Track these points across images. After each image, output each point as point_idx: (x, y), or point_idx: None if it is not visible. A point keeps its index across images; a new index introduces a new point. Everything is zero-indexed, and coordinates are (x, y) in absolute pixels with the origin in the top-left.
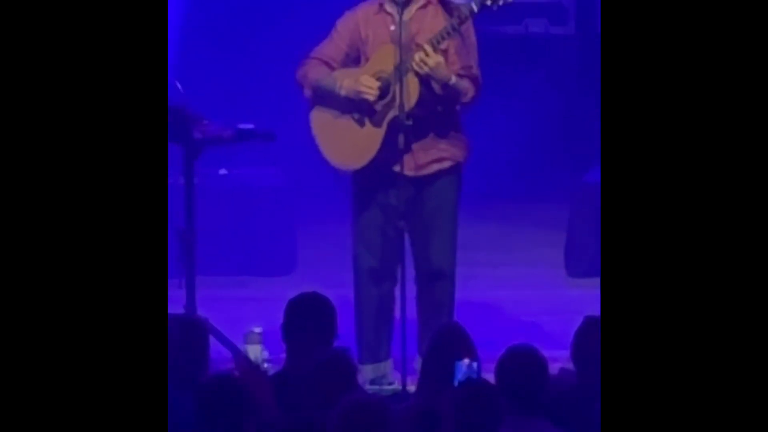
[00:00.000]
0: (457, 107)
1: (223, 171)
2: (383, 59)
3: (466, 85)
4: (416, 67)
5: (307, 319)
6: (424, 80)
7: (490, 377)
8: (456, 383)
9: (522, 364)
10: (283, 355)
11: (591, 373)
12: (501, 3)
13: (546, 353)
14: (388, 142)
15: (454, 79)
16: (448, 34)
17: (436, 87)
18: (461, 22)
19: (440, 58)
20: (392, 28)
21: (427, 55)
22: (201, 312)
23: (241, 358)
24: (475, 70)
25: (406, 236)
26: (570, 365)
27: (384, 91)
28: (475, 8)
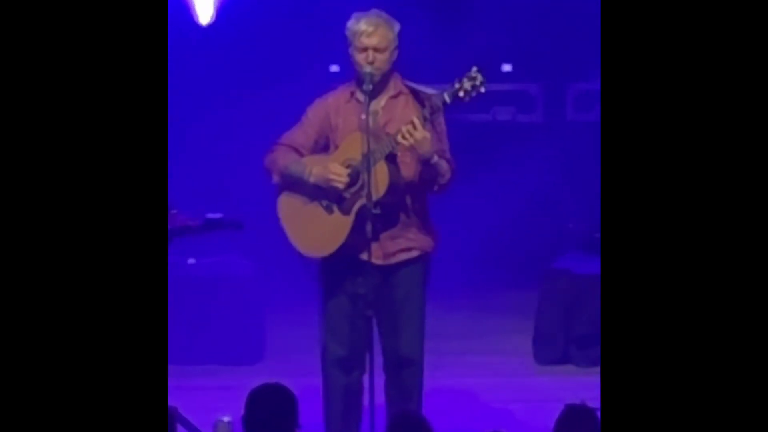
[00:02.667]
0: (426, 196)
1: (191, 260)
2: (352, 147)
3: (445, 165)
4: (401, 139)
5: (268, 410)
6: (393, 169)
7: None
8: None
9: None
10: None
11: None
12: (473, 94)
13: None
14: (357, 230)
15: (436, 158)
16: (425, 119)
17: (413, 168)
18: (433, 112)
19: (427, 133)
20: (363, 116)
21: (414, 128)
22: (170, 401)
23: None
24: (449, 155)
25: (374, 324)
26: None
27: (353, 179)
28: (447, 99)
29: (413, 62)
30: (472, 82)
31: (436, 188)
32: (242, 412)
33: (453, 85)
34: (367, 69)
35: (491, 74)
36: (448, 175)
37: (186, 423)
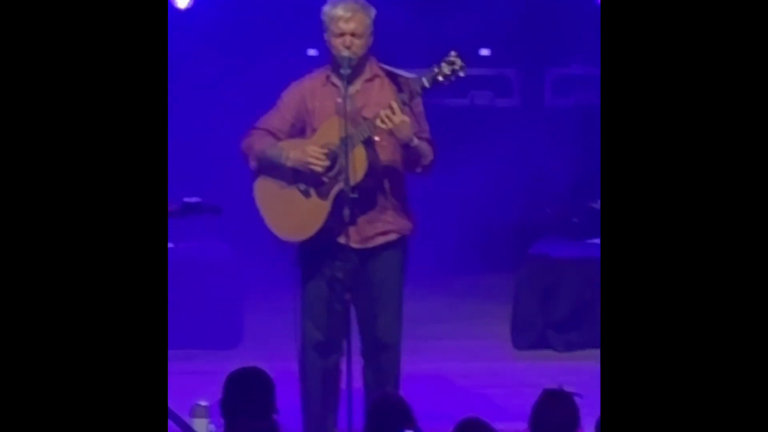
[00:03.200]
0: (404, 180)
1: (169, 245)
2: (330, 131)
3: (426, 147)
4: (380, 123)
5: (245, 393)
6: (371, 153)
7: None
8: None
9: None
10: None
11: None
12: (452, 79)
13: (495, 425)
14: (334, 214)
15: (416, 141)
16: (404, 103)
17: (391, 152)
18: (412, 97)
19: (405, 117)
20: (339, 100)
21: (393, 112)
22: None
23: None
24: (429, 136)
25: (352, 308)
26: None
27: (331, 164)
28: (427, 84)
29: (391, 46)
30: (451, 66)
31: (419, 170)
32: (220, 396)
33: (432, 69)
34: (345, 53)
35: (469, 58)
36: (430, 156)
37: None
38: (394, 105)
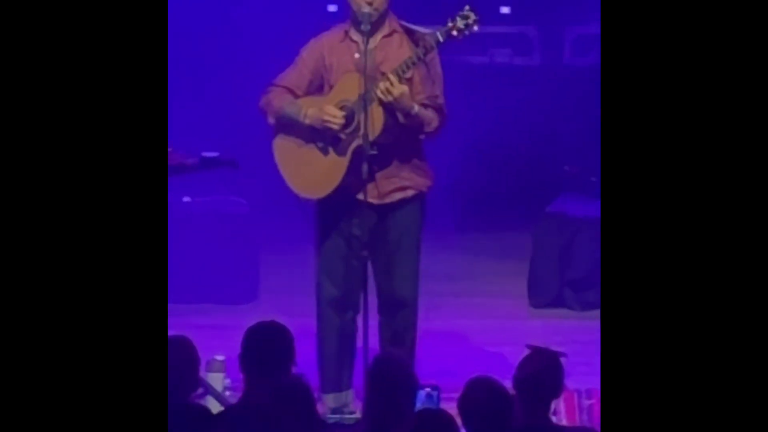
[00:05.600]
0: (421, 137)
1: (186, 198)
2: (348, 87)
3: (429, 114)
4: (380, 95)
5: (264, 347)
6: (389, 109)
7: (451, 406)
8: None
9: (485, 397)
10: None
11: (534, 403)
12: (467, 33)
13: (508, 384)
14: (352, 170)
15: (416, 109)
16: (414, 63)
17: (399, 116)
18: (426, 52)
19: (404, 88)
20: (357, 56)
21: (391, 84)
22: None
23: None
24: (441, 100)
25: (369, 265)
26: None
27: (348, 120)
28: (441, 38)
29: (411, 2)
30: (465, 20)
31: (422, 136)
32: (239, 350)
33: (446, 24)
34: (366, 9)
35: (489, 16)
36: (434, 123)
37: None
38: (392, 77)
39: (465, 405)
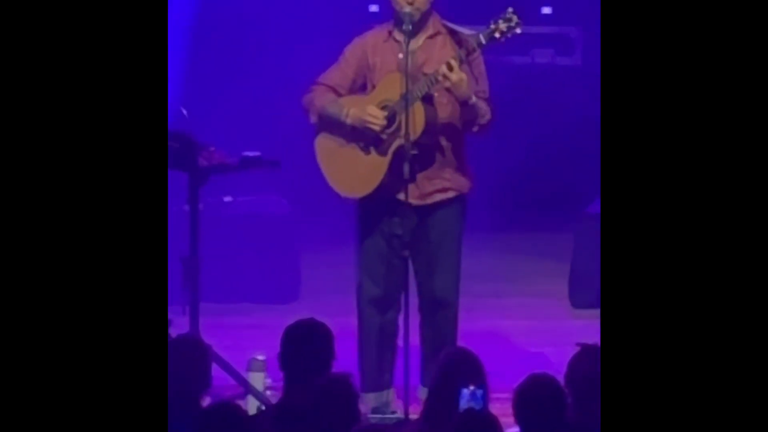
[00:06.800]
0: (474, 129)
1: (228, 198)
2: (390, 87)
3: (484, 106)
4: (439, 78)
5: (304, 346)
6: (430, 109)
7: (494, 407)
8: (460, 410)
9: (545, 394)
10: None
11: (587, 401)
12: (509, 35)
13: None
14: (393, 170)
15: (474, 99)
16: (460, 62)
17: (449, 109)
18: (468, 54)
19: (463, 75)
20: (400, 56)
21: (451, 69)
22: (205, 339)
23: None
24: (488, 96)
25: (410, 264)
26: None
27: (390, 120)
28: (483, 40)
29: (455, 3)
30: (507, 23)
31: (475, 129)
32: (278, 349)
33: (489, 26)
34: (407, 9)
35: (531, 16)
36: (488, 116)
37: (220, 361)
38: (452, 62)
39: (522, 400)
